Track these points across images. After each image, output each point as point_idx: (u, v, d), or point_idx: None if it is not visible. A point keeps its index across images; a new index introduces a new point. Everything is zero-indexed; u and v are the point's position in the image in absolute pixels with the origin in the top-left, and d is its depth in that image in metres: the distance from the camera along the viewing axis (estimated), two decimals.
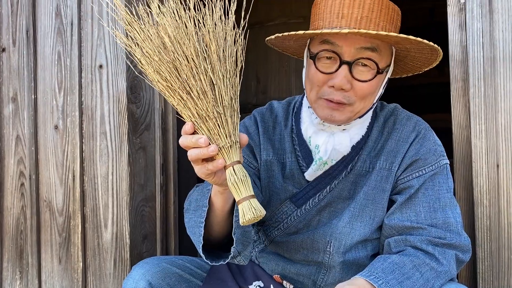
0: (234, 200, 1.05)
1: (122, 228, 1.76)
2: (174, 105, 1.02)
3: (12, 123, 1.96)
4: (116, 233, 1.77)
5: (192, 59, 0.99)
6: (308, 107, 1.28)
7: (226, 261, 1.15)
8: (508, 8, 1.40)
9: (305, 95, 1.28)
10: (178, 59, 0.99)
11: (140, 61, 1.03)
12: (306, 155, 1.30)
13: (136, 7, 1.04)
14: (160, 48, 1.00)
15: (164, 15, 1.00)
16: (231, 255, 1.13)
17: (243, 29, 1.02)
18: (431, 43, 1.17)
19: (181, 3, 1.01)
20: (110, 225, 1.79)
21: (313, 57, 1.20)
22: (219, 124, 0.99)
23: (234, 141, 1.00)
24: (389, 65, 1.24)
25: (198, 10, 1.00)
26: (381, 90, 1.26)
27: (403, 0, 1.76)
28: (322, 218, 1.31)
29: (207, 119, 0.99)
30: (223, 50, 1.01)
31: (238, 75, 1.03)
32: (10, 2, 1.96)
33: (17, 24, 1.95)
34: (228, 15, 1.01)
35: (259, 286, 1.35)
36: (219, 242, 1.19)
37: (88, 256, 1.83)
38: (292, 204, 1.32)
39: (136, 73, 1.58)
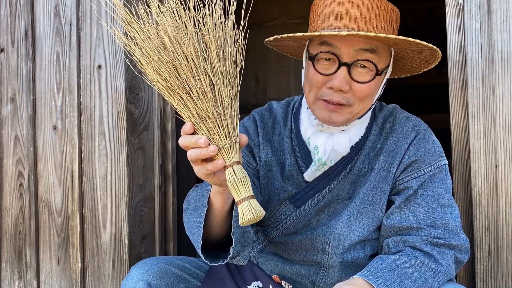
0: (234, 200, 1.05)
1: (121, 228, 1.76)
2: (173, 105, 1.02)
3: (10, 124, 1.96)
4: (115, 233, 1.77)
5: (192, 59, 0.98)
6: (307, 108, 1.28)
7: (225, 261, 1.15)
8: (506, 8, 1.41)
9: (304, 95, 1.28)
10: (178, 59, 0.99)
11: (139, 61, 1.03)
12: (305, 156, 1.30)
13: (136, 7, 1.04)
14: (160, 48, 1.00)
15: (163, 15, 1.00)
16: (230, 255, 1.13)
17: (243, 29, 1.02)
18: (430, 45, 1.17)
19: (181, 3, 1.01)
20: (109, 225, 1.78)
21: (312, 59, 1.20)
22: (219, 125, 0.99)
23: (233, 141, 0.99)
24: (388, 66, 1.24)
25: (198, 10, 1.00)
26: (380, 91, 1.26)
27: (402, 1, 1.76)
28: (321, 218, 1.31)
29: (207, 119, 0.99)
30: (223, 50, 1.00)
31: (238, 75, 1.02)
32: (9, 2, 1.95)
33: (15, 25, 1.94)
34: (228, 15, 1.01)
35: (258, 286, 1.35)
36: (218, 242, 1.19)
37: (86, 257, 1.83)
38: (291, 205, 1.32)
39: (136, 73, 1.58)
